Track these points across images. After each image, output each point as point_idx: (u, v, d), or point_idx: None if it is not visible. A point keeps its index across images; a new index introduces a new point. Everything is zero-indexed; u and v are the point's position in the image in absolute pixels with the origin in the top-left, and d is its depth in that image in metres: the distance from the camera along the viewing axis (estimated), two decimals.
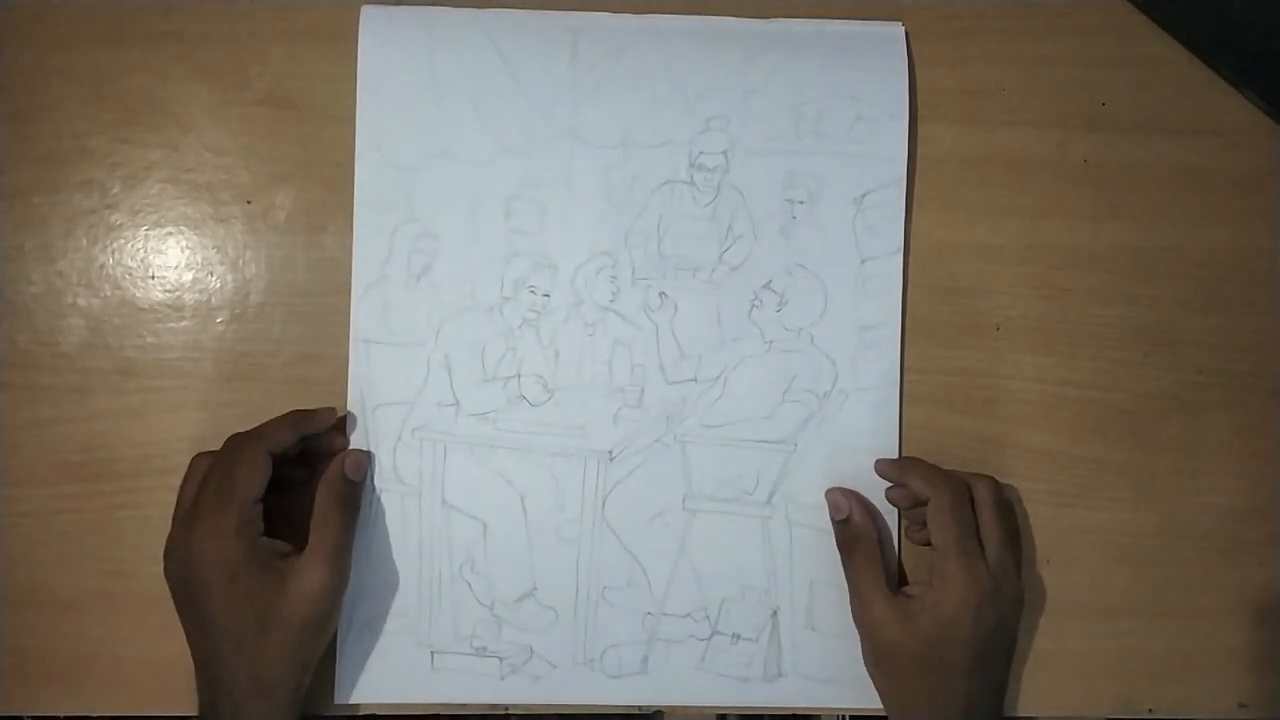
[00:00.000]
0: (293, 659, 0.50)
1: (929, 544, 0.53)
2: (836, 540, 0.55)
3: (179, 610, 0.51)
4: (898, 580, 0.57)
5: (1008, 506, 0.55)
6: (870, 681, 0.54)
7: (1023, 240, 0.58)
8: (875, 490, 0.56)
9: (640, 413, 0.56)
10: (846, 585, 0.54)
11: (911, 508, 0.55)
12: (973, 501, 0.54)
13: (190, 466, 0.53)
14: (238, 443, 0.52)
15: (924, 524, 0.54)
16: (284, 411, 0.54)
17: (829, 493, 0.56)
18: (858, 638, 0.54)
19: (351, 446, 0.55)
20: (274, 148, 0.57)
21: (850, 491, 0.56)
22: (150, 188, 0.57)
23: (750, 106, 0.57)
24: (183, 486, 0.53)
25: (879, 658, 0.53)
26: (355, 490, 0.54)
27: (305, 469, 0.55)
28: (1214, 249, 0.58)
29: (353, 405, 0.56)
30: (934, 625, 0.51)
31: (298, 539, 0.52)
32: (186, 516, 0.51)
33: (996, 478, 0.55)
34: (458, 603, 0.56)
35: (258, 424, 0.53)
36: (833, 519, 0.56)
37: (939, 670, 0.51)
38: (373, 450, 0.56)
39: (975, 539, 0.52)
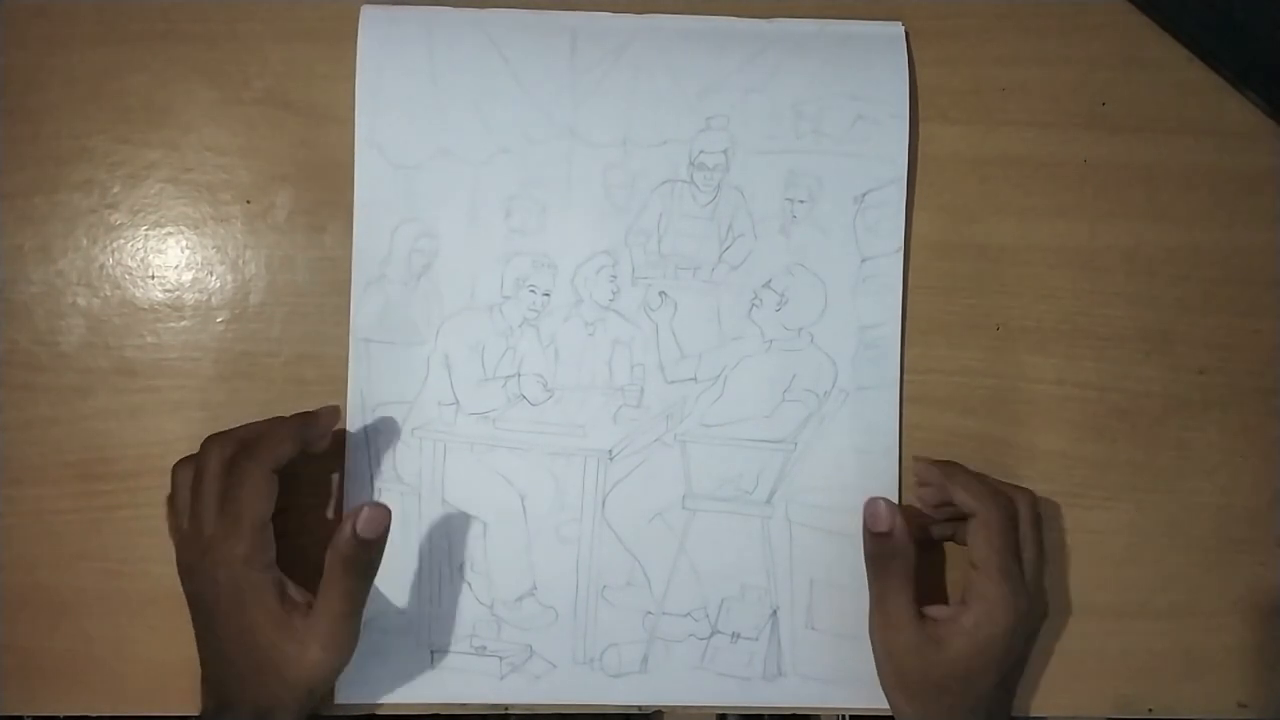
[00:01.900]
0: (293, 705, 0.49)
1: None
2: (867, 552, 0.51)
3: (194, 626, 0.50)
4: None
5: (1041, 522, 0.53)
6: (871, 681, 0.53)
7: (1023, 240, 0.58)
8: (875, 491, 0.56)
9: (640, 412, 0.56)
10: (869, 599, 0.52)
11: (936, 507, 0.54)
12: None
13: (174, 477, 0.51)
14: (239, 464, 0.49)
15: (938, 520, 0.53)
16: (283, 412, 0.53)
17: (871, 501, 0.51)
18: (858, 637, 0.53)
19: (351, 447, 0.55)
20: (274, 148, 0.57)
21: (893, 504, 0.51)
22: (150, 188, 0.57)
23: (750, 106, 0.57)
24: (172, 500, 0.51)
25: (903, 682, 0.50)
26: (366, 550, 0.48)
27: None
28: (1214, 249, 0.58)
29: (352, 405, 0.56)
30: (968, 649, 0.49)
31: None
32: (197, 539, 0.49)
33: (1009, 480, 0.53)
34: (458, 602, 0.56)
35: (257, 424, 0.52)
36: (870, 530, 0.51)
37: (967, 692, 0.50)
38: (372, 450, 0.55)
39: (1017, 559, 0.50)
